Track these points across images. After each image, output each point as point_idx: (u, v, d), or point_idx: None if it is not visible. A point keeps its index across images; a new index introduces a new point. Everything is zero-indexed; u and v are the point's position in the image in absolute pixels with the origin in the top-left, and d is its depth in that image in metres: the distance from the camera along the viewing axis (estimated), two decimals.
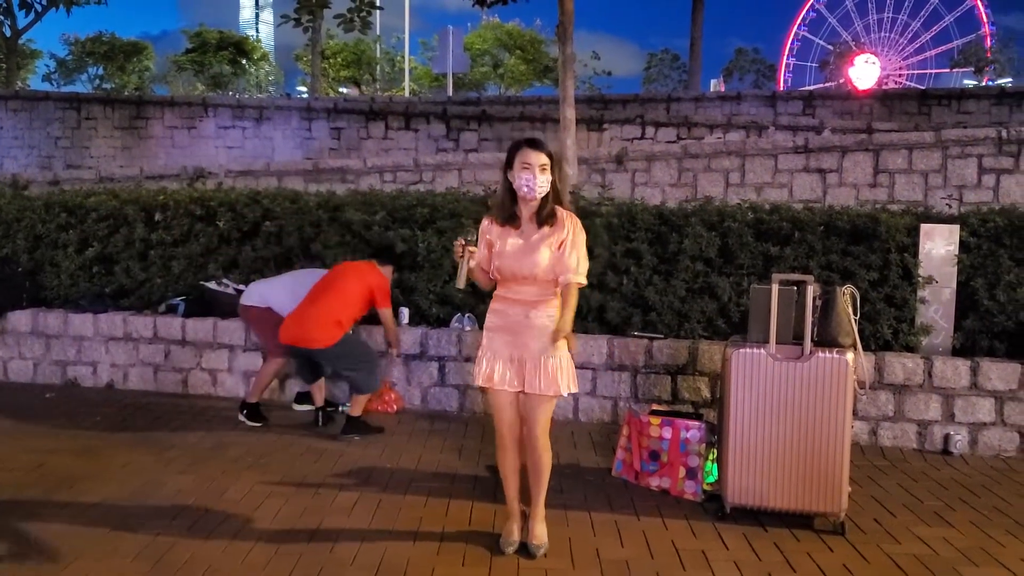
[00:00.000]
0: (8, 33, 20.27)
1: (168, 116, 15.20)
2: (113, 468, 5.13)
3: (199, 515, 4.38)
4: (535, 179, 3.73)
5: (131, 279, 7.57)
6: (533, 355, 3.82)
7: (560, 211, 3.85)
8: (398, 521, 4.35)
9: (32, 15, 16.72)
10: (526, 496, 4.09)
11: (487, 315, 4.00)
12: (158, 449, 5.53)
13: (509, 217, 3.88)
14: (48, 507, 4.45)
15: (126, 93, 25.55)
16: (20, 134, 15.58)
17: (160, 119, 15.23)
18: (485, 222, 3.98)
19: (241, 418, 6.15)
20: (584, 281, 3.88)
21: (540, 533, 4.02)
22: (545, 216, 3.81)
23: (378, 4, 14.31)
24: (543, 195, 3.79)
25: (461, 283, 3.82)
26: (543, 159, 3.76)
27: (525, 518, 4.07)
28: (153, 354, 7.20)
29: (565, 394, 3.87)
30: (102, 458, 5.31)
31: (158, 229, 7.60)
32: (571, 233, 3.81)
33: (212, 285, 7.25)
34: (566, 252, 3.79)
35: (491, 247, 3.91)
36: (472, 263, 3.81)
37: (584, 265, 3.85)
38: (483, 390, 4.14)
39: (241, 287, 7.26)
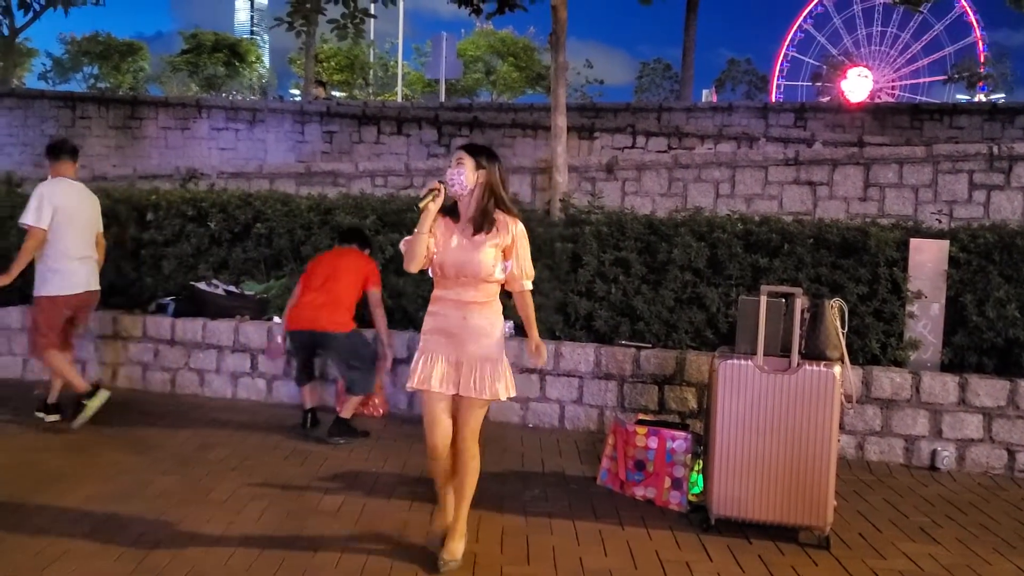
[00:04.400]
0: (6, 32, 20.21)
1: (162, 116, 15.16)
2: (99, 467, 5.11)
3: (183, 516, 4.36)
4: (451, 171, 3.76)
5: (121, 278, 7.53)
6: (470, 358, 3.75)
7: (501, 217, 3.79)
8: (382, 526, 4.33)
9: (30, 14, 16.66)
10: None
11: (425, 317, 3.89)
12: (144, 448, 5.50)
13: (451, 210, 3.83)
14: (32, 505, 4.42)
15: (121, 93, 25.47)
16: (15, 132, 15.51)
17: (154, 119, 15.19)
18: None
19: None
20: (530, 287, 3.91)
21: (455, 549, 3.86)
22: (481, 221, 3.76)
23: (372, 13, 14.29)
24: (466, 190, 3.76)
25: (420, 204, 3.73)
26: (459, 154, 3.79)
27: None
28: (142, 353, 7.18)
29: (503, 398, 3.82)
30: (88, 456, 5.29)
31: (150, 229, 7.58)
32: (516, 239, 3.80)
33: (202, 286, 7.24)
34: (517, 259, 3.82)
35: (434, 236, 3.79)
36: (435, 208, 3.74)
37: (531, 271, 3.91)
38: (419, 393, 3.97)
39: (231, 288, 7.26)
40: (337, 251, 6.23)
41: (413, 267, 3.77)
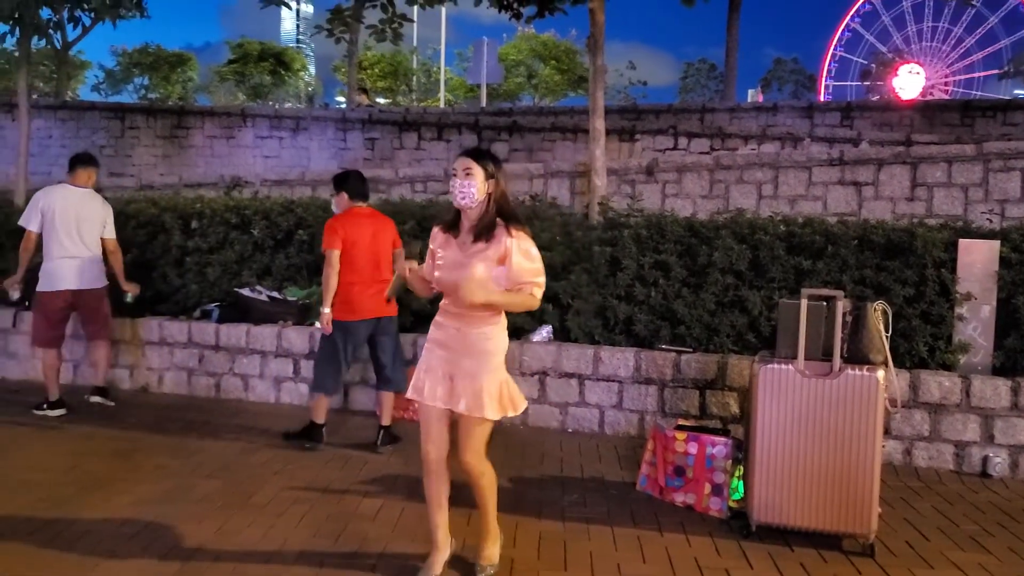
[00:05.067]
0: (59, 45, 20.74)
1: (208, 126, 15.45)
2: (145, 470, 5.21)
3: (225, 520, 4.42)
4: (458, 182, 3.55)
5: (167, 285, 7.67)
6: (463, 373, 3.60)
7: (500, 228, 3.55)
8: (420, 529, 4.33)
9: (79, 28, 17.09)
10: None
11: (430, 327, 3.78)
12: (188, 453, 5.60)
13: (452, 224, 3.67)
14: (80, 508, 4.52)
15: (170, 103, 26.01)
16: (67, 142, 15.91)
17: (200, 129, 15.48)
18: (435, 230, 3.76)
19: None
20: (540, 296, 3.60)
21: (489, 554, 3.84)
22: (481, 229, 3.56)
23: (410, 17, 14.41)
24: (476, 202, 3.56)
25: (389, 293, 4.14)
26: (467, 163, 3.55)
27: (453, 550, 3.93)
28: (187, 359, 7.31)
29: (493, 419, 3.60)
30: (134, 461, 5.40)
31: (194, 236, 7.71)
32: (509, 250, 3.51)
33: (246, 292, 7.34)
34: (518, 266, 3.52)
35: (434, 256, 3.71)
36: (406, 273, 3.68)
37: (536, 280, 3.57)
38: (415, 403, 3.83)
39: (274, 294, 7.36)
40: (358, 217, 5.78)
41: (426, 296, 3.95)
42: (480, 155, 3.62)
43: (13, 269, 6.84)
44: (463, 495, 3.97)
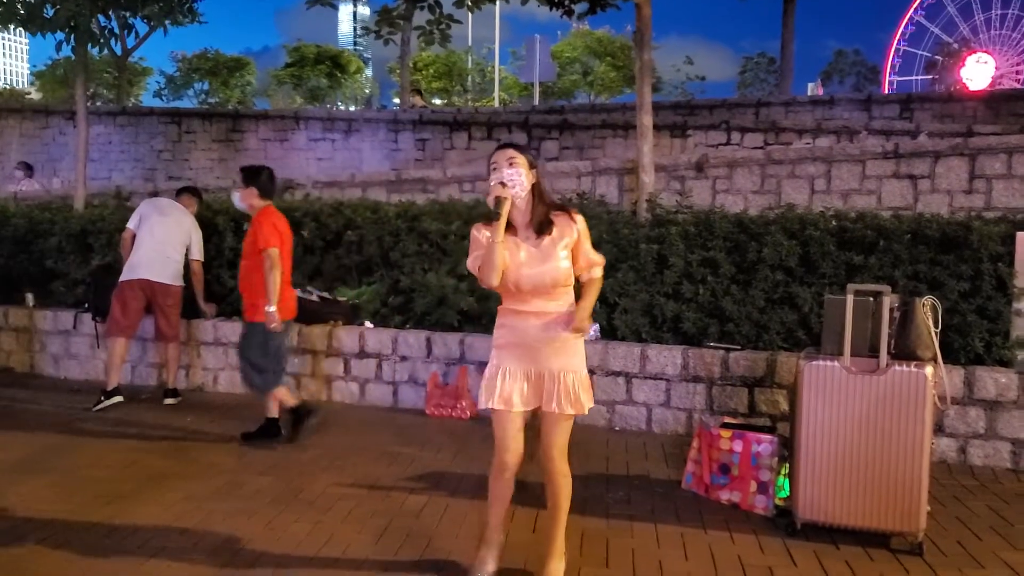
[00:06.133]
0: (119, 52, 21.31)
1: (262, 129, 15.73)
2: (198, 467, 5.35)
3: (274, 514, 4.52)
4: (506, 171, 3.48)
5: (221, 286, 7.86)
6: (553, 371, 3.53)
7: (560, 215, 3.58)
8: (464, 526, 4.39)
9: (134, 36, 17.55)
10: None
11: (496, 330, 3.67)
12: (241, 451, 5.73)
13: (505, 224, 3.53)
14: (136, 503, 4.67)
15: (229, 107, 26.52)
16: (127, 148, 16.37)
17: (255, 132, 15.77)
18: (476, 231, 3.59)
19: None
20: (599, 273, 3.69)
21: (555, 570, 3.70)
22: (542, 221, 3.54)
23: (458, 19, 14.48)
24: (526, 190, 3.52)
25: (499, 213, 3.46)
26: (510, 153, 3.54)
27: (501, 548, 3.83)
28: None
29: (586, 412, 3.61)
30: (189, 458, 5.55)
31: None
32: (581, 234, 3.58)
33: (297, 292, 7.46)
34: (585, 248, 3.60)
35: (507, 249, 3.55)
36: (506, 213, 3.45)
37: (599, 258, 3.66)
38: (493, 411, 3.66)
39: (324, 294, 7.48)
40: (281, 216, 5.94)
41: (495, 280, 3.47)
42: (519, 147, 3.63)
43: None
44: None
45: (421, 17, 13.22)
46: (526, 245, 3.55)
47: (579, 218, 3.63)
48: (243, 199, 5.93)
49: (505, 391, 3.56)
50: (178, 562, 3.93)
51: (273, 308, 5.64)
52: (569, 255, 3.57)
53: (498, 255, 3.44)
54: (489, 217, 3.49)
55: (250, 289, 5.80)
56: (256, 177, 5.89)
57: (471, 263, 3.59)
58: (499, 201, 3.45)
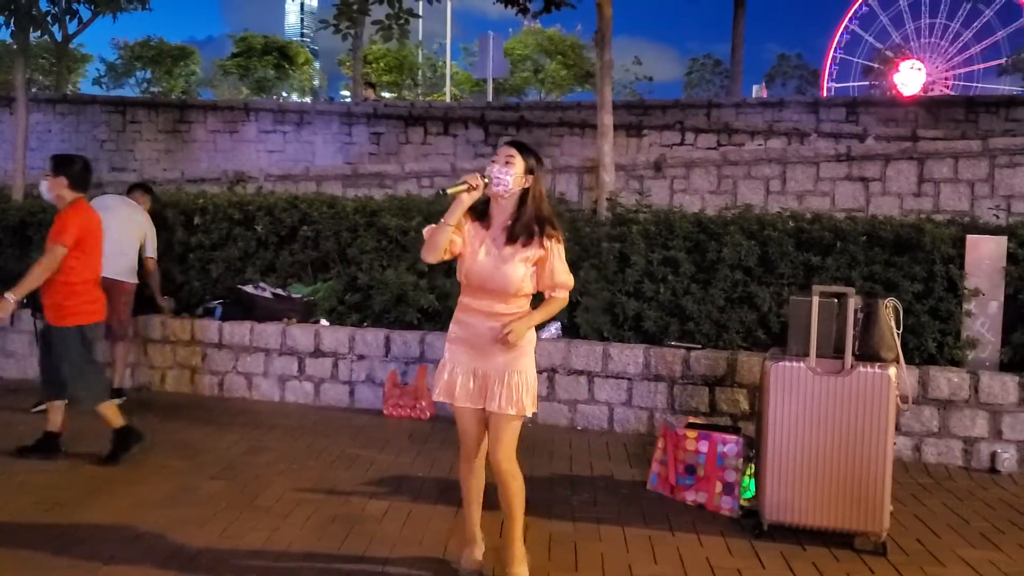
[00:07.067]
0: (59, 38, 20.63)
1: (211, 120, 15.37)
2: (147, 471, 5.16)
3: (230, 520, 4.37)
4: (496, 167, 3.45)
5: (169, 282, 7.63)
6: (497, 371, 3.50)
7: (546, 235, 3.50)
8: (428, 531, 4.30)
9: (77, 21, 17.00)
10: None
11: (451, 324, 3.66)
12: (192, 453, 5.55)
13: (481, 213, 3.57)
14: (80, 510, 4.48)
15: (172, 97, 25.91)
16: (68, 137, 15.84)
17: (203, 123, 15.40)
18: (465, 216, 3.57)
19: None
20: (567, 294, 3.61)
21: (519, 573, 3.66)
22: (519, 230, 3.48)
23: (417, 13, 14.31)
24: (509, 192, 3.47)
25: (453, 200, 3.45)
26: (509, 151, 3.50)
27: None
28: (190, 357, 7.26)
29: (528, 414, 3.55)
30: (137, 461, 5.33)
31: (197, 232, 7.67)
32: (548, 252, 3.49)
33: (249, 289, 7.30)
34: (554, 267, 3.52)
35: (461, 235, 3.53)
36: (467, 201, 3.43)
37: (567, 281, 3.57)
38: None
39: (278, 291, 7.32)
40: (92, 210, 5.40)
41: (431, 258, 3.49)
42: (525, 148, 3.57)
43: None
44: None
45: (378, 12, 12.99)
46: (490, 243, 3.52)
47: (555, 241, 3.54)
48: (51, 189, 5.24)
49: (449, 384, 3.59)
50: (130, 572, 3.76)
51: (13, 297, 5.04)
52: (529, 268, 3.51)
53: (443, 236, 3.44)
54: (475, 212, 3.50)
55: (52, 288, 5.18)
56: (68, 166, 5.26)
57: (426, 229, 3.57)
58: (463, 183, 3.42)
